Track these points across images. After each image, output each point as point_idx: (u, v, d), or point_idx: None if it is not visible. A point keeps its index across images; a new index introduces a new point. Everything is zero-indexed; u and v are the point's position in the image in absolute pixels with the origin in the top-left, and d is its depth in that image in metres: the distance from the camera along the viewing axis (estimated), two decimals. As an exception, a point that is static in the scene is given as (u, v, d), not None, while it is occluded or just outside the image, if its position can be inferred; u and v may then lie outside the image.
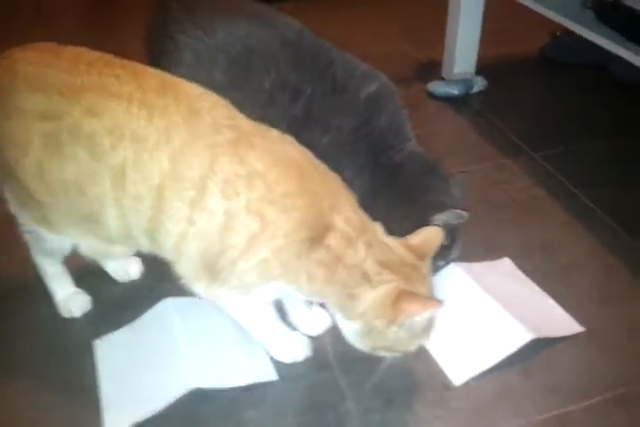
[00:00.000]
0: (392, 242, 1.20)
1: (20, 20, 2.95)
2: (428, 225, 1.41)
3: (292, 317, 1.47)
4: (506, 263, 1.65)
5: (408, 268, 1.18)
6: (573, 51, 2.56)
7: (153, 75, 1.22)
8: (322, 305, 1.40)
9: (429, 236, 1.24)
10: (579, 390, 1.35)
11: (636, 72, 1.97)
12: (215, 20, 1.55)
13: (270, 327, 1.38)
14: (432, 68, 2.61)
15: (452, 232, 1.47)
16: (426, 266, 1.22)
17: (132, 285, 1.63)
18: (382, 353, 1.24)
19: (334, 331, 1.31)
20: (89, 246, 1.38)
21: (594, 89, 2.47)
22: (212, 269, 1.20)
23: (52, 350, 1.47)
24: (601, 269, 1.65)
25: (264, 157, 1.15)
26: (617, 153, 2.09)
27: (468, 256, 1.60)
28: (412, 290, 1.16)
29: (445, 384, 1.36)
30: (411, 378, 1.39)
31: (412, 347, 1.23)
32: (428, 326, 1.21)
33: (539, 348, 1.41)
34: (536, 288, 1.57)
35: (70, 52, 1.25)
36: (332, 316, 1.28)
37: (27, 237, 1.43)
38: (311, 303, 1.44)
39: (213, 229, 1.15)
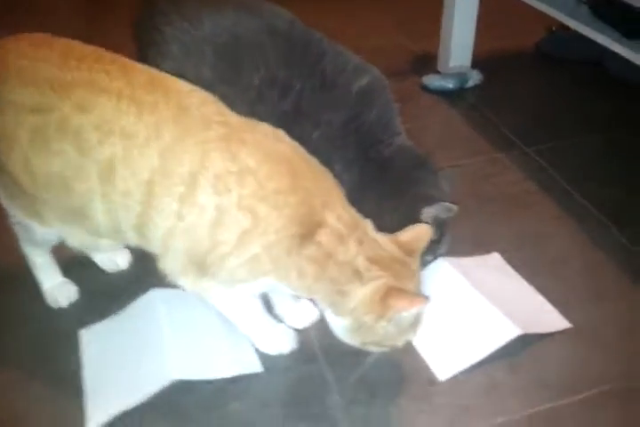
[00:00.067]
0: (382, 239, 1.21)
1: (16, 12, 2.93)
2: (417, 218, 1.43)
3: (279, 309, 1.46)
4: (495, 258, 1.64)
5: (397, 264, 1.19)
6: (569, 46, 2.55)
7: (142, 71, 1.22)
8: (311, 300, 1.40)
9: (418, 233, 1.24)
10: (565, 386, 1.35)
11: (632, 68, 1.96)
12: (201, 11, 1.53)
13: (256, 319, 1.38)
14: (428, 61, 2.60)
15: (440, 226, 1.47)
16: (415, 262, 1.22)
17: (119, 275, 1.63)
18: (371, 348, 1.25)
19: (321, 324, 1.31)
20: (77, 239, 1.38)
21: (589, 84, 2.46)
22: (201, 264, 1.20)
23: (37, 339, 1.46)
24: (590, 266, 1.64)
25: (255, 154, 1.15)
26: (610, 149, 2.08)
27: (457, 250, 1.60)
28: (401, 286, 1.16)
29: (430, 379, 1.36)
30: (396, 372, 1.39)
31: (400, 342, 1.24)
32: (415, 322, 1.22)
33: (526, 344, 1.40)
34: (525, 283, 1.56)
35: (62, 44, 1.25)
36: (321, 311, 1.28)
37: (16, 227, 1.43)
38: (298, 297, 1.43)
39: (203, 224, 1.16)
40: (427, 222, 1.43)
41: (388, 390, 1.35)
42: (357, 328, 1.20)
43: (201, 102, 1.20)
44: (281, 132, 1.23)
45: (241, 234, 1.15)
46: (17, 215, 1.38)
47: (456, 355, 1.39)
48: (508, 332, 1.38)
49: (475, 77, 2.44)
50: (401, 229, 1.26)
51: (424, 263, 1.50)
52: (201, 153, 1.14)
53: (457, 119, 2.30)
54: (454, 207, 1.45)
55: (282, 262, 1.18)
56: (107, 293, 1.57)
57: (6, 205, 1.38)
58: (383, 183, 1.53)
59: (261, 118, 1.23)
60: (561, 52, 2.59)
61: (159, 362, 1.34)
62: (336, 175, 1.25)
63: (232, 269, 1.20)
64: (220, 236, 1.16)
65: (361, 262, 1.16)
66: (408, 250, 1.21)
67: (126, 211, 1.19)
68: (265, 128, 1.22)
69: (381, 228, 1.24)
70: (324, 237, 1.16)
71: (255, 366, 1.37)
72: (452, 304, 1.48)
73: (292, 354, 1.41)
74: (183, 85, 1.22)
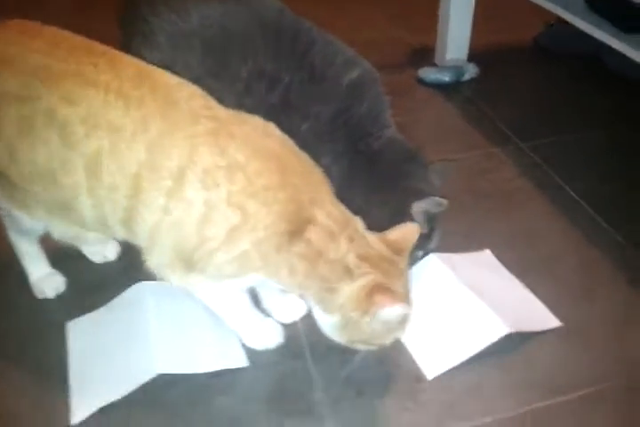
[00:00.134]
0: (371, 237, 1.21)
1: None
2: (407, 212, 1.42)
3: (266, 303, 1.46)
4: (486, 255, 1.63)
5: (386, 263, 1.19)
6: (567, 40, 2.53)
7: (131, 64, 1.22)
8: (300, 295, 1.39)
9: (406, 232, 1.24)
10: (555, 385, 1.33)
11: (629, 64, 1.94)
12: (188, 1, 1.51)
13: (243, 313, 1.37)
14: (425, 54, 2.58)
15: (431, 221, 1.46)
16: (403, 261, 1.22)
17: (108, 266, 1.62)
18: (358, 346, 1.25)
19: (309, 319, 1.30)
20: (65, 232, 1.37)
21: (587, 79, 2.44)
22: (188, 259, 1.20)
23: (23, 330, 1.45)
24: (583, 264, 1.63)
25: (244, 149, 1.15)
26: (608, 145, 2.07)
27: (448, 246, 1.58)
28: (389, 284, 1.16)
29: (418, 376, 1.35)
30: (383, 369, 1.38)
31: (388, 340, 1.24)
32: (403, 320, 1.21)
33: (515, 342, 1.39)
34: (516, 281, 1.55)
35: (51, 34, 1.25)
36: (309, 307, 1.27)
37: (4, 217, 1.42)
38: (286, 291, 1.42)
39: (191, 220, 1.15)
40: (417, 217, 1.42)
41: (374, 388, 1.34)
42: (345, 325, 1.19)
43: (189, 96, 1.19)
44: (271, 126, 1.22)
45: (230, 230, 1.14)
46: (6, 207, 1.37)
47: (445, 353, 1.38)
48: (497, 330, 1.37)
49: (471, 71, 2.43)
50: (390, 223, 1.25)
51: (415, 258, 1.50)
52: (189, 147, 1.14)
53: (453, 113, 2.29)
54: (445, 202, 1.44)
55: (271, 259, 1.17)
56: (95, 284, 1.56)
57: None
58: (372, 176, 1.52)
59: (249, 111, 1.22)
60: (559, 47, 2.57)
61: (145, 355, 1.33)
62: (325, 168, 1.24)
63: (220, 264, 1.19)
64: (208, 231, 1.15)
65: (351, 260, 1.16)
66: (396, 249, 1.21)
67: (113, 205, 1.19)
68: (254, 121, 1.21)
69: (370, 222, 1.24)
70: (313, 234, 1.15)
71: (241, 361, 1.37)
72: (441, 301, 1.47)
73: (279, 349, 1.40)
74: (171, 79, 1.22)
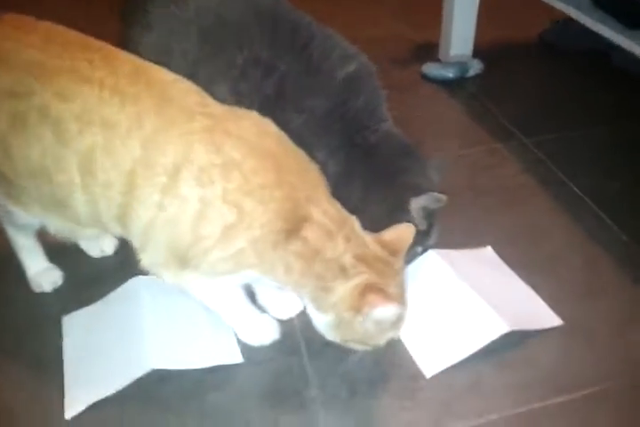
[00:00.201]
0: (366, 237, 1.21)
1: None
2: (405, 208, 1.41)
3: (262, 299, 1.45)
4: (487, 251, 1.61)
5: (381, 263, 1.19)
6: (573, 37, 2.50)
7: (126, 60, 1.21)
8: (295, 293, 1.38)
9: (402, 233, 1.24)
10: (554, 385, 1.32)
11: (634, 59, 1.92)
12: None
13: (238, 309, 1.37)
14: (429, 50, 2.56)
15: (429, 217, 1.45)
16: (398, 262, 1.22)
17: (105, 260, 1.62)
18: (352, 346, 1.24)
19: (304, 316, 1.29)
20: (60, 228, 1.37)
21: (592, 76, 2.42)
22: (182, 256, 1.19)
23: (20, 324, 1.45)
24: (586, 261, 1.61)
25: (240, 147, 1.15)
26: (610, 142, 2.04)
27: (449, 242, 1.57)
28: (384, 285, 1.16)
29: (415, 375, 1.34)
30: (380, 367, 1.36)
31: (382, 341, 1.23)
32: (397, 321, 1.21)
33: (516, 340, 1.37)
34: (517, 278, 1.53)
35: (45, 29, 1.24)
36: (305, 305, 1.27)
37: (0, 212, 1.42)
38: (282, 288, 1.41)
39: (186, 216, 1.15)
40: (415, 213, 1.41)
41: (371, 385, 1.33)
42: (338, 325, 1.19)
43: (184, 93, 1.19)
44: (267, 122, 1.22)
45: (225, 228, 1.14)
46: (2, 203, 1.36)
47: (443, 351, 1.37)
48: (497, 328, 1.35)
49: (475, 67, 2.41)
50: (389, 219, 1.26)
51: (413, 255, 1.48)
52: (185, 145, 1.13)
53: (457, 109, 2.27)
54: (443, 197, 1.42)
55: (267, 257, 1.17)
56: (92, 278, 1.56)
57: None
58: (369, 170, 1.51)
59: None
60: (565, 43, 2.54)
61: (139, 351, 1.32)
62: (321, 162, 1.24)
63: (215, 261, 1.19)
64: (203, 229, 1.15)
65: (348, 260, 1.16)
66: (391, 250, 1.21)
67: (108, 202, 1.19)
68: (251, 117, 1.21)
69: (369, 218, 1.23)
70: (309, 232, 1.15)
71: (236, 357, 1.36)
72: (440, 298, 1.45)
73: (274, 345, 1.39)
74: (167, 76, 1.21)
